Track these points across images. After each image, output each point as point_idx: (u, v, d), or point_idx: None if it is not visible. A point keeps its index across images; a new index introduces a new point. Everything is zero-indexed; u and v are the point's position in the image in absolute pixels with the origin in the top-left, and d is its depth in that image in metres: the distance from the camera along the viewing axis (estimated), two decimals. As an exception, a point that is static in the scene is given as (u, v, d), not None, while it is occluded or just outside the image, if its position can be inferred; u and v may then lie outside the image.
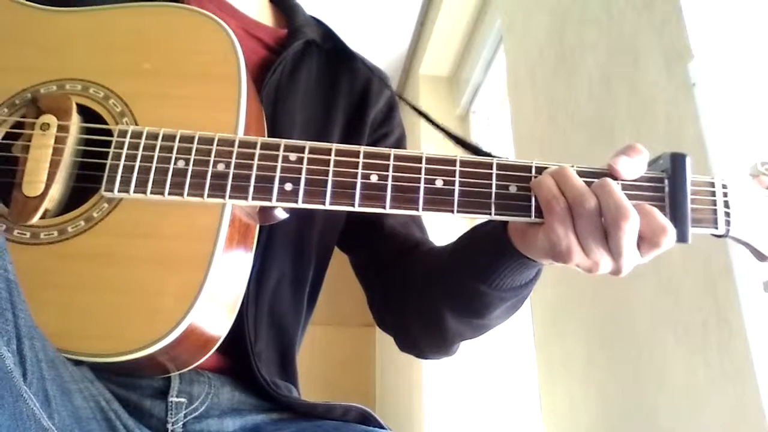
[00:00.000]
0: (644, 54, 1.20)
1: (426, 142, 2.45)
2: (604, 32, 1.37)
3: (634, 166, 0.60)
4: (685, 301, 1.06)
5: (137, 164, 0.62)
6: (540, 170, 0.61)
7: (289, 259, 0.80)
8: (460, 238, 0.73)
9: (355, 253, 0.89)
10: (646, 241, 0.57)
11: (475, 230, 0.70)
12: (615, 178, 0.59)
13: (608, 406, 1.30)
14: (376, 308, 0.87)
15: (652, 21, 1.17)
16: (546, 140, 1.65)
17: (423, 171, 0.61)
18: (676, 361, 1.07)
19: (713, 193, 0.61)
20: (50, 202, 0.63)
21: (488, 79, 2.55)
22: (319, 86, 0.87)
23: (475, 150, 0.70)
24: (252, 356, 0.72)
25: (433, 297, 0.74)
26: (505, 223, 0.63)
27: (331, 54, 0.90)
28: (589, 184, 0.58)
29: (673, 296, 1.09)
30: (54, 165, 0.63)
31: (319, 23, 0.93)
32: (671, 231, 0.56)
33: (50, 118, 0.64)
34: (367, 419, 0.75)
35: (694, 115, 1.02)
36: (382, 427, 0.75)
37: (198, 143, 0.62)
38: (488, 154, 0.68)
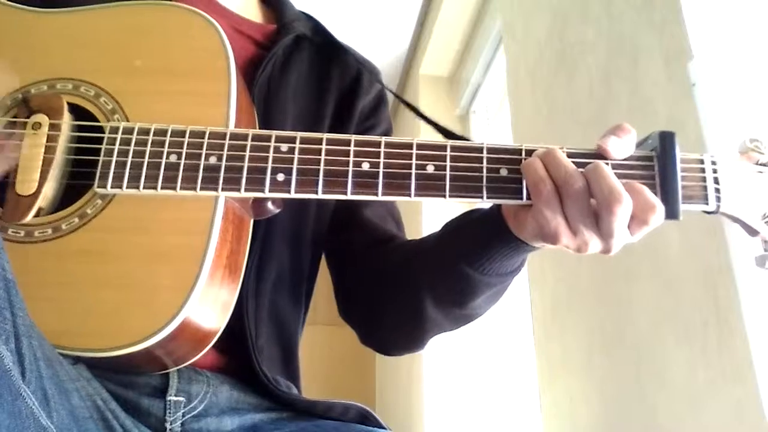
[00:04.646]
0: (644, 54, 1.20)
1: (425, 130, 2.45)
2: (604, 32, 1.37)
3: (623, 146, 0.61)
4: (685, 301, 1.06)
5: (129, 160, 0.62)
6: (530, 153, 0.61)
7: (287, 254, 0.80)
8: (447, 224, 0.73)
9: (330, 240, 0.88)
10: (635, 218, 0.57)
11: (466, 215, 0.71)
12: (604, 158, 0.60)
13: (608, 406, 1.30)
14: (344, 298, 0.87)
15: (652, 21, 1.17)
16: (546, 140, 1.64)
17: (414, 157, 0.61)
18: (676, 361, 1.07)
19: (703, 170, 0.61)
20: (44, 200, 0.63)
21: (488, 79, 2.55)
22: (311, 79, 0.87)
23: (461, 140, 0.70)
24: (253, 352, 0.72)
25: (415, 285, 0.74)
26: (500, 206, 0.64)
27: (322, 48, 0.90)
28: (579, 165, 0.59)
29: (673, 296, 1.09)
30: (46, 163, 0.63)
31: (309, 18, 0.93)
32: (659, 208, 0.57)
33: (42, 118, 0.65)
34: (366, 418, 0.75)
35: (694, 115, 1.02)
36: (381, 427, 0.75)
37: (189, 137, 0.63)
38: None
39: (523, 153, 0.61)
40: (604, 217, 0.57)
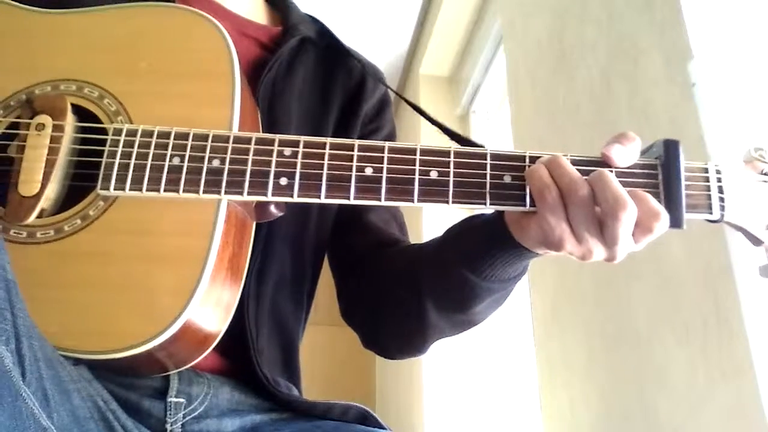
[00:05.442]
0: (644, 54, 1.20)
1: (426, 139, 2.45)
2: (604, 32, 1.37)
3: (627, 154, 0.60)
4: (685, 301, 1.06)
5: (132, 162, 0.62)
6: (534, 159, 0.61)
7: (289, 256, 0.80)
8: (449, 230, 0.73)
9: (333, 243, 0.88)
10: (639, 226, 0.57)
11: (469, 221, 0.71)
12: (608, 166, 0.60)
13: (608, 406, 1.30)
14: (347, 301, 0.87)
15: (652, 21, 1.17)
16: (546, 140, 1.65)
17: (417, 163, 0.61)
18: (676, 361, 1.07)
19: (707, 179, 0.61)
20: (46, 201, 0.63)
21: (488, 79, 2.55)
22: (315, 82, 0.87)
23: (471, 145, 0.70)
24: (253, 353, 0.72)
25: (418, 290, 0.74)
26: (502, 212, 0.64)
27: (327, 51, 0.90)
28: (583, 173, 0.59)
29: (673, 296, 1.09)
30: (49, 165, 0.63)
31: (314, 20, 0.93)
32: (664, 216, 0.57)
33: (45, 119, 0.65)
34: (366, 419, 0.75)
35: (694, 115, 1.02)
36: (381, 427, 0.75)
37: (193, 140, 0.63)
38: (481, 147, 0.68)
39: (527, 159, 0.61)
40: (609, 224, 0.56)
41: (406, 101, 0.85)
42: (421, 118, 0.81)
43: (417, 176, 0.61)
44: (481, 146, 0.69)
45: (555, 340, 1.56)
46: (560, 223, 0.58)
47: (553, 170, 0.59)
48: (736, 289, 0.93)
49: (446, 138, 0.74)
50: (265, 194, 0.61)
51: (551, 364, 1.58)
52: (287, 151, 0.62)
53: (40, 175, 0.63)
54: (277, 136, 0.63)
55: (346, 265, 0.88)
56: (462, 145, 0.71)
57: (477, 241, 0.67)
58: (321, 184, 0.61)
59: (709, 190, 0.61)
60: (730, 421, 0.94)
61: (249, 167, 0.61)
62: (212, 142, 0.62)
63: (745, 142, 0.95)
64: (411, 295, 0.74)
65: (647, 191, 0.58)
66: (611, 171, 0.59)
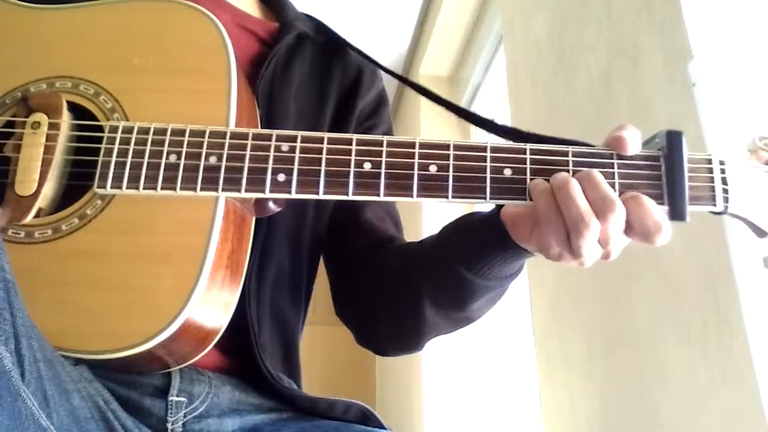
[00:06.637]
0: (644, 54, 1.20)
1: (426, 131, 2.45)
2: (604, 32, 1.37)
3: (633, 139, 0.60)
4: (685, 301, 1.06)
5: (129, 160, 0.62)
6: (534, 153, 0.61)
7: (287, 252, 0.80)
8: (445, 228, 0.73)
9: (328, 242, 0.88)
10: (639, 236, 0.57)
11: (464, 219, 0.70)
12: (611, 157, 0.60)
13: (608, 406, 1.30)
14: (341, 299, 0.87)
15: (652, 21, 1.17)
16: (546, 140, 1.64)
17: (416, 157, 0.60)
18: (676, 361, 1.07)
19: (710, 170, 0.60)
20: (43, 200, 0.63)
21: (488, 79, 2.55)
22: (313, 78, 0.87)
23: (475, 118, 0.70)
24: (256, 348, 0.72)
25: (415, 287, 0.73)
26: (498, 211, 0.63)
27: (324, 47, 0.90)
28: (587, 165, 0.59)
29: (674, 296, 1.09)
30: (46, 163, 0.63)
31: (310, 18, 0.93)
32: (666, 229, 0.57)
33: (41, 117, 0.64)
34: (367, 418, 0.75)
35: (693, 114, 1.02)
36: (382, 427, 0.75)
37: (189, 137, 0.62)
38: (490, 122, 0.68)
39: (528, 152, 0.61)
40: (601, 225, 0.56)
41: (408, 82, 0.84)
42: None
43: (416, 171, 0.60)
44: (489, 121, 0.69)
45: (555, 339, 1.56)
46: (561, 244, 0.58)
47: (561, 200, 0.58)
48: (736, 289, 0.93)
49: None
50: (263, 191, 0.60)
51: (551, 363, 1.58)
52: (285, 146, 0.61)
53: (37, 175, 0.62)
54: (275, 132, 0.62)
55: (341, 263, 0.87)
56: (468, 121, 0.72)
57: (474, 239, 0.67)
58: (319, 180, 0.60)
59: (712, 182, 0.60)
60: (731, 421, 0.94)
61: (246, 164, 0.61)
62: (209, 138, 0.62)
63: (745, 141, 0.95)
64: (408, 293, 0.74)
65: (649, 183, 0.58)
66: (612, 166, 0.59)
